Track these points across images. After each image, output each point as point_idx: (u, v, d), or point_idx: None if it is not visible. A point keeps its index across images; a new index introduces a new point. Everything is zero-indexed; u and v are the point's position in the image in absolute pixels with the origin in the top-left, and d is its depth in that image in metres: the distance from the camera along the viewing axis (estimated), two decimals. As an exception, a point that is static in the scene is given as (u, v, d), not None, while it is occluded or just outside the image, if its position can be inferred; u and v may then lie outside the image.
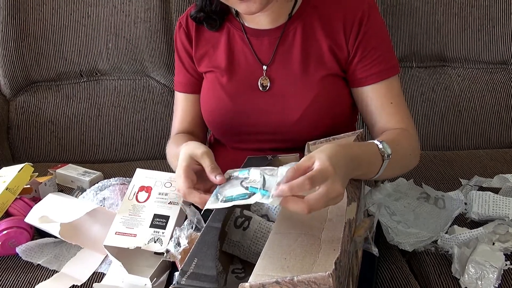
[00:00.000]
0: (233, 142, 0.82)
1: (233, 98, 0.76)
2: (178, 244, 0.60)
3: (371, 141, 0.62)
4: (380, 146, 0.60)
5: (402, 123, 0.73)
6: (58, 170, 1.01)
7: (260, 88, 0.76)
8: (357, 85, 0.75)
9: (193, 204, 0.63)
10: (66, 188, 0.98)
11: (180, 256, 0.58)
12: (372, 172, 0.60)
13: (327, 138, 0.67)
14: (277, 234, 0.52)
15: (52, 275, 0.70)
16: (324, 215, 0.54)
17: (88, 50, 1.19)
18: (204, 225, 0.55)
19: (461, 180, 0.95)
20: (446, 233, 0.75)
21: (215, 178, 0.56)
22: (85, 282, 0.68)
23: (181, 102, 0.85)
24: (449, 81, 1.20)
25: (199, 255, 0.50)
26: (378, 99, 0.73)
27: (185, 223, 0.63)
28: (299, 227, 0.52)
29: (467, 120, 1.19)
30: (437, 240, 0.74)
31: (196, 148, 0.60)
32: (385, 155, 0.60)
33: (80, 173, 1.00)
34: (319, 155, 0.49)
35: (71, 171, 1.00)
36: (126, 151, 1.21)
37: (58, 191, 0.94)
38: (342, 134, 0.67)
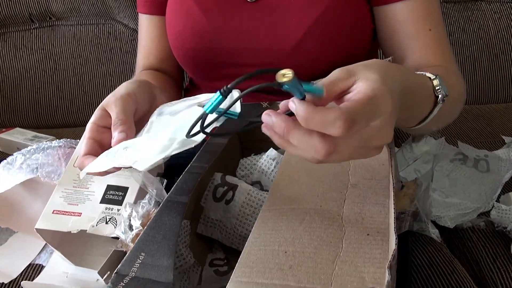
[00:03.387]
0: (210, 80, 0.67)
1: (208, 12, 0.60)
2: (130, 227, 0.46)
3: (421, 72, 0.45)
4: (436, 82, 0.43)
5: (443, 60, 0.58)
6: (1, 135, 0.91)
7: None
8: (384, 1, 0.59)
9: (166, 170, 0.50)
10: (11, 157, 0.83)
11: (132, 245, 0.44)
12: (417, 118, 0.44)
13: None
14: (270, 211, 0.36)
15: (-29, 270, 0.58)
16: (344, 179, 0.38)
17: (37, -13, 1.08)
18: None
19: (504, 137, 0.83)
20: (498, 202, 0.64)
21: (112, 137, 0.40)
22: (16, 278, 0.56)
23: (146, 28, 0.70)
24: (483, 19, 1.08)
25: (148, 248, 0.34)
26: (412, 23, 0.58)
27: (147, 196, 0.49)
28: (305, 199, 0.36)
29: (505, 66, 1.07)
30: (486, 212, 0.62)
31: (114, 94, 0.43)
32: (441, 96, 0.43)
33: (28, 138, 0.89)
34: (365, 73, 0.31)
35: (17, 136, 0.90)
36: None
37: (-1, 160, 0.80)
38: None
